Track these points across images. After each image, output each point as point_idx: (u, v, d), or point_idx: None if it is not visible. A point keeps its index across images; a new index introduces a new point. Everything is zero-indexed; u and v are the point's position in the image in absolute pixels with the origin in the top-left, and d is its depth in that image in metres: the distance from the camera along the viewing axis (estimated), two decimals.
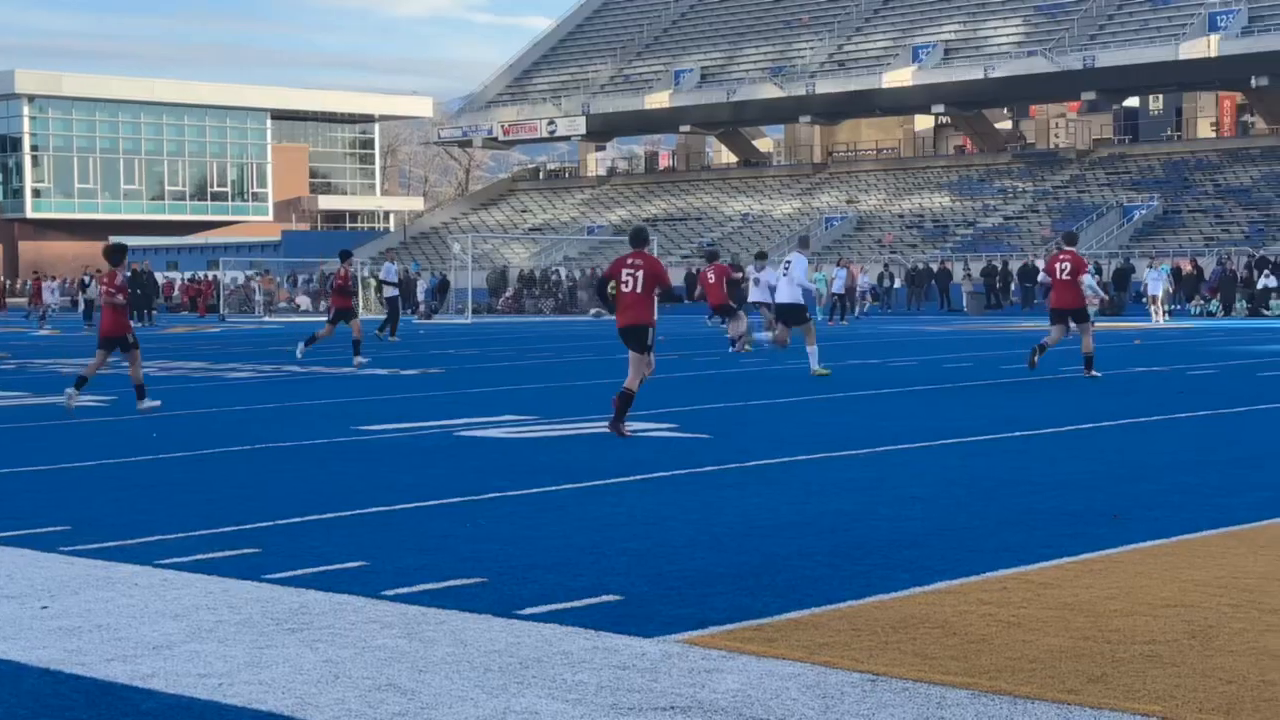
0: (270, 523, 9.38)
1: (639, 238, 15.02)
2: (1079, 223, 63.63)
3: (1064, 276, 20.69)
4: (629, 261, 14.85)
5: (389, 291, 38.34)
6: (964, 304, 55.98)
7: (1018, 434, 14.05)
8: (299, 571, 7.79)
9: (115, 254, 17.22)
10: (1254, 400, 17.21)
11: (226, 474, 11.95)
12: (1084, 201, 67.23)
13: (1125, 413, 15.81)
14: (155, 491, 10.95)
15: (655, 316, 14.81)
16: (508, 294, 66.22)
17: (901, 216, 71.45)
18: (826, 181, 78.41)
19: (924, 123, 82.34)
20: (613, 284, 14.67)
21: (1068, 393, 19.09)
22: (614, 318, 14.87)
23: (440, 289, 64.45)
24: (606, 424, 14.54)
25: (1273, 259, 51.53)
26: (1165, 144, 72.17)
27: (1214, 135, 72.77)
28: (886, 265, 61.32)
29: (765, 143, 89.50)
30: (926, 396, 18.76)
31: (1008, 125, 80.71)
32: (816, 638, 6.24)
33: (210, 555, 8.30)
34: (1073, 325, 20.80)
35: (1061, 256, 20.95)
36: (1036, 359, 21.34)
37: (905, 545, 8.36)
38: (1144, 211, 64.05)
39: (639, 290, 14.70)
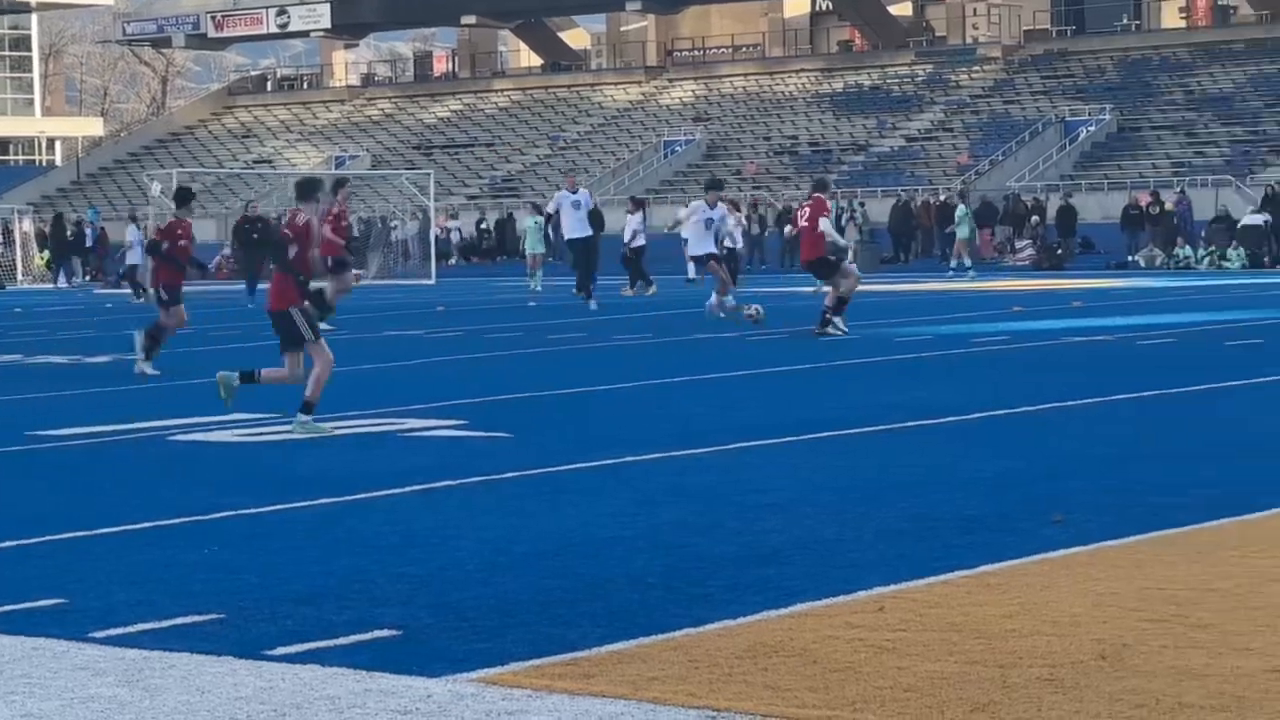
0: None
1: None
2: (1006, 144, 64.38)
3: None
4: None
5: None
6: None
7: (909, 425, 14.90)
8: None
9: None
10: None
11: None
12: (1012, 115, 68.16)
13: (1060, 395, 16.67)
14: None
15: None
16: (224, 252, 66.02)
17: (767, 139, 71.80)
18: (664, 90, 78.77)
19: (796, 8, 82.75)
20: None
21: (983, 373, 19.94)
22: None
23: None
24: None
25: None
26: (1119, 37, 73.08)
27: (1184, 26, 73.67)
28: (756, 205, 60.15)
29: (579, 37, 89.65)
30: (795, 379, 19.60)
31: (908, 12, 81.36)
32: (644, 671, 6.87)
33: None
34: None
35: None
36: None
37: (757, 562, 9.10)
38: (1093, 128, 65.15)
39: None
